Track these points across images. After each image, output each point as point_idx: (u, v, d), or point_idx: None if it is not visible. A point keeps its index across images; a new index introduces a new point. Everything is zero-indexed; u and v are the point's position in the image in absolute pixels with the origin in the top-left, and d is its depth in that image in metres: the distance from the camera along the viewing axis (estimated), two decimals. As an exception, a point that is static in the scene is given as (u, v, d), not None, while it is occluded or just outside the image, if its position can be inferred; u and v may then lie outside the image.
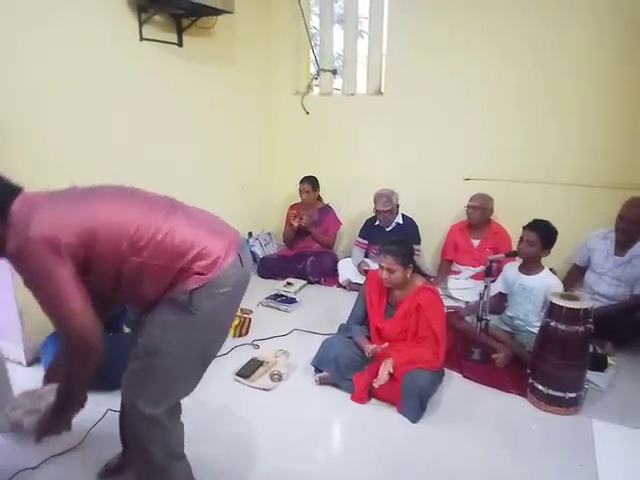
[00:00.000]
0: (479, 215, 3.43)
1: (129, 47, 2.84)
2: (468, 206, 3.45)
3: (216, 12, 3.15)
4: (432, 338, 2.30)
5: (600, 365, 2.47)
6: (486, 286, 2.55)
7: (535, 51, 3.33)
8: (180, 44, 3.20)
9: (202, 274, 1.30)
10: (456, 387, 2.42)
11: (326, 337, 2.56)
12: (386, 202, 3.58)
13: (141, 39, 2.92)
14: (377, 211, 3.64)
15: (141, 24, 2.89)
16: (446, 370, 2.41)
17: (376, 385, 2.18)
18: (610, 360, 2.55)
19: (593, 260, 2.99)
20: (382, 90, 3.98)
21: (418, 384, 2.14)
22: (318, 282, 3.76)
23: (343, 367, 2.33)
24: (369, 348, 2.28)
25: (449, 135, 3.72)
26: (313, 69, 4.23)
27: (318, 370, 2.41)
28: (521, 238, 2.64)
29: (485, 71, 3.49)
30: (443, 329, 2.31)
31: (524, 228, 2.63)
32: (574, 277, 3.11)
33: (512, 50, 3.39)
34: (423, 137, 3.82)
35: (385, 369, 2.17)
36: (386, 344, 2.28)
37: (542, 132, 3.43)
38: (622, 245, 2.85)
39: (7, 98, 2.22)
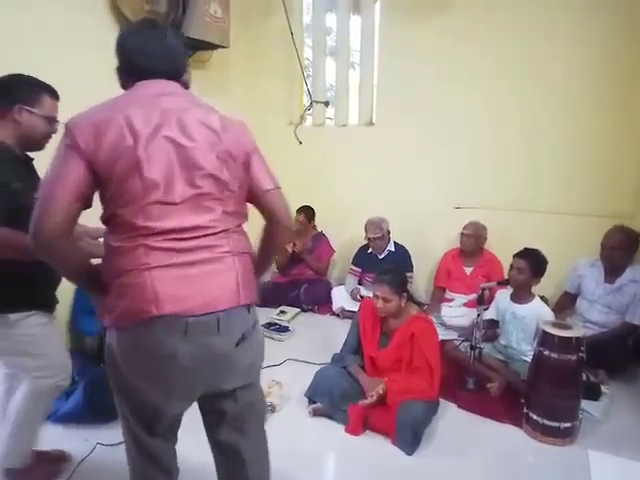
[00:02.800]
0: (472, 243, 3.47)
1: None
2: (462, 234, 3.50)
3: (213, 47, 3.25)
4: (426, 368, 2.29)
5: (594, 394, 2.47)
6: (479, 314, 2.56)
7: (524, 82, 3.43)
8: (176, 77, 3.27)
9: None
10: (451, 417, 2.40)
11: (320, 367, 2.55)
12: (376, 229, 3.62)
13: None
14: (368, 238, 3.68)
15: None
16: (441, 400, 2.40)
17: (366, 402, 2.18)
18: (604, 389, 2.54)
19: (583, 287, 3.02)
20: (373, 121, 4.08)
21: (412, 415, 2.12)
22: (312, 310, 3.75)
23: (337, 398, 2.31)
24: (372, 395, 2.24)
25: (440, 164, 3.79)
26: (306, 100, 4.32)
27: (312, 401, 2.39)
28: (511, 266, 2.67)
29: (474, 102, 3.59)
30: (437, 359, 2.31)
31: (514, 256, 2.67)
32: (565, 304, 3.13)
33: (502, 81, 3.49)
34: (414, 166, 3.89)
35: (376, 390, 2.18)
36: (386, 379, 2.27)
37: (531, 162, 3.51)
38: (611, 273, 2.89)
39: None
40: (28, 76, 1.61)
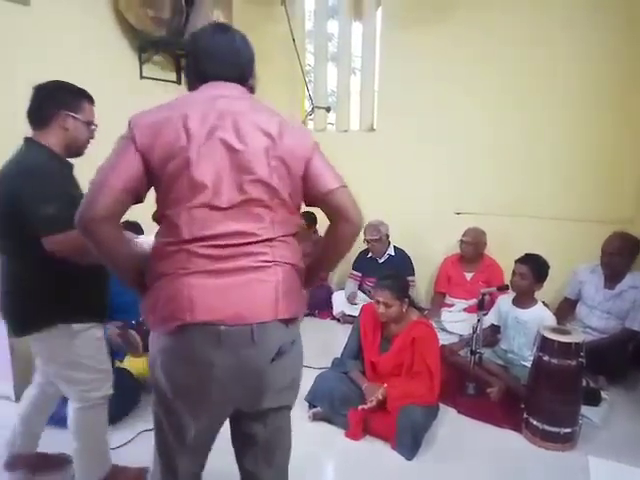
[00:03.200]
0: (472, 249, 3.48)
1: (129, 85, 2.94)
2: (461, 241, 3.51)
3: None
4: (426, 373, 2.29)
5: (594, 399, 2.47)
6: (479, 319, 2.57)
7: (526, 85, 3.45)
8: (179, 82, 3.31)
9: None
10: (451, 422, 2.40)
11: (320, 371, 2.55)
12: (373, 231, 3.65)
13: (141, 77, 3.02)
14: (366, 240, 3.70)
15: (141, 64, 2.99)
16: (441, 405, 2.40)
17: (366, 407, 2.18)
18: (603, 394, 2.55)
19: (584, 293, 3.03)
20: (374, 126, 4.10)
21: (412, 419, 2.13)
22: (312, 314, 3.76)
23: (337, 403, 2.31)
24: (372, 400, 2.24)
25: (440, 170, 3.81)
26: (308, 106, 4.35)
27: (312, 405, 2.39)
28: (514, 272, 2.68)
29: (474, 108, 3.62)
30: (437, 364, 2.31)
31: (516, 262, 2.68)
32: (566, 310, 3.13)
33: (502, 87, 3.51)
34: (414, 172, 3.90)
35: (375, 396, 2.19)
36: (385, 385, 2.28)
37: (530, 168, 3.53)
38: (611, 278, 2.90)
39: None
40: (67, 82, 1.63)
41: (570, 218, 3.40)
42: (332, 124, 4.42)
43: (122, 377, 2.36)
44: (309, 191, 1.24)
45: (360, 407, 2.21)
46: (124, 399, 2.27)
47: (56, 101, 1.56)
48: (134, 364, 2.43)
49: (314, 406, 2.37)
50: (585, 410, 2.31)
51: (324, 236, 1.32)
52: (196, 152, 1.12)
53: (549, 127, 3.43)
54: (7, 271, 1.56)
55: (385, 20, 3.90)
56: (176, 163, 1.12)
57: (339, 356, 2.63)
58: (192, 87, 1.27)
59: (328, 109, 4.35)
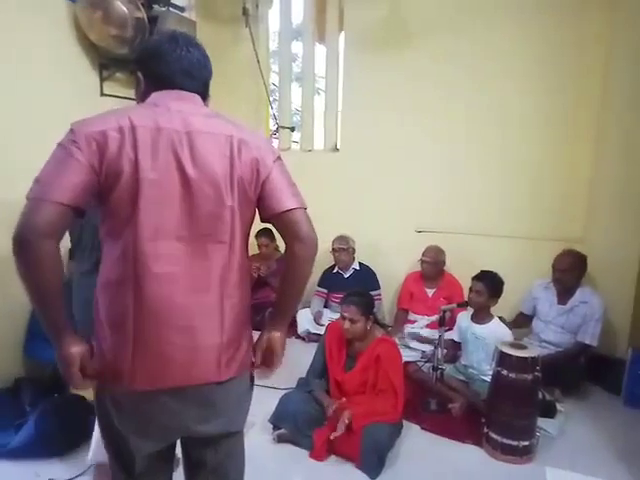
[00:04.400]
0: (432, 268, 3.58)
1: (89, 103, 2.89)
2: (422, 260, 3.60)
3: (178, 71, 3.27)
4: (390, 391, 2.32)
5: (550, 411, 2.56)
6: (440, 336, 2.62)
7: (481, 107, 3.60)
8: (141, 99, 3.27)
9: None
10: (414, 439, 2.42)
11: (284, 392, 2.53)
12: (342, 241, 3.77)
13: (102, 95, 2.98)
14: (334, 250, 3.78)
15: (102, 81, 2.95)
16: (404, 422, 2.42)
17: (332, 437, 2.16)
18: (559, 406, 2.64)
19: (538, 309, 3.15)
20: (338, 146, 4.17)
21: (376, 439, 2.13)
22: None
23: (302, 423, 2.30)
24: (331, 409, 2.25)
25: (402, 189, 3.91)
26: (272, 125, 4.39)
27: (276, 427, 2.36)
28: (470, 288, 2.76)
29: (432, 130, 3.74)
30: (401, 381, 2.34)
31: (473, 279, 2.76)
32: (520, 325, 3.24)
33: (457, 112, 3.66)
34: (377, 191, 3.99)
35: (342, 421, 2.17)
36: (344, 399, 2.28)
37: (487, 187, 3.67)
38: (563, 294, 3.03)
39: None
40: None
41: (523, 236, 3.55)
42: (297, 143, 4.47)
43: (73, 404, 2.26)
44: (264, 208, 1.18)
45: (332, 436, 2.18)
46: (75, 428, 2.18)
47: None
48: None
49: (278, 428, 2.35)
50: (542, 422, 2.38)
51: (285, 262, 1.24)
52: (144, 180, 1.04)
53: (503, 149, 3.59)
54: None
55: (348, 43, 4.01)
56: (122, 188, 1.03)
57: (304, 376, 2.62)
58: (145, 96, 1.18)
59: (292, 129, 4.40)
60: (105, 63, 2.96)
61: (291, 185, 1.21)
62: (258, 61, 4.03)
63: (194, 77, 1.18)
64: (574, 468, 2.19)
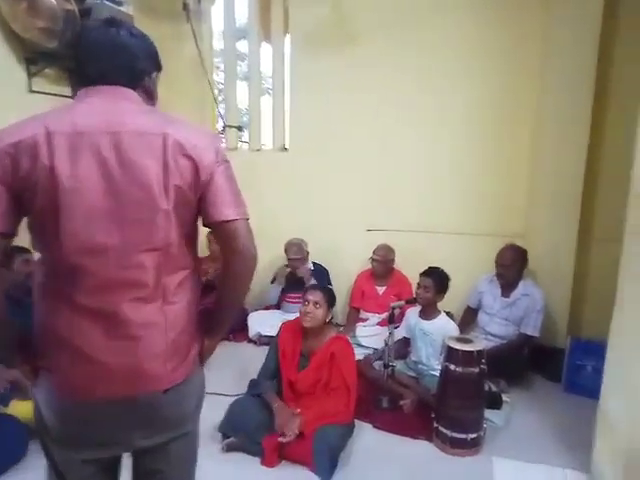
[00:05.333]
0: (382, 266, 3.62)
1: (16, 99, 2.69)
2: (372, 258, 3.62)
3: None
4: (343, 389, 2.31)
5: (496, 403, 2.63)
6: (390, 333, 2.64)
7: (426, 107, 3.65)
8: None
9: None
10: (367, 438, 2.42)
11: (234, 399, 2.46)
12: (297, 251, 3.72)
13: (30, 91, 2.78)
14: (289, 259, 3.73)
15: (30, 76, 2.76)
16: (356, 421, 2.41)
17: (281, 440, 2.11)
18: (505, 397, 2.72)
19: (483, 302, 3.24)
20: (287, 146, 4.13)
21: (328, 441, 2.11)
22: (226, 338, 3.63)
23: (252, 431, 2.23)
24: (290, 435, 2.14)
25: (351, 188, 3.92)
26: (219, 124, 4.28)
27: (226, 436, 2.28)
28: (418, 284, 2.80)
29: (380, 129, 3.77)
30: (355, 379, 2.34)
31: (420, 275, 2.80)
32: (468, 319, 3.34)
33: (403, 110, 3.70)
34: (327, 190, 3.98)
35: (292, 428, 2.12)
36: (298, 410, 2.24)
37: (433, 186, 3.75)
38: (506, 288, 3.13)
39: None
40: None
41: (469, 232, 3.65)
42: (246, 142, 4.39)
43: (6, 424, 2.11)
44: (203, 214, 1.10)
45: (279, 439, 2.13)
46: (8, 449, 2.04)
47: None
48: (21, 408, 2.16)
49: (228, 437, 2.27)
50: (488, 413, 2.45)
51: (221, 275, 1.18)
52: (65, 190, 0.97)
53: (448, 147, 3.68)
54: None
55: (294, 43, 3.97)
56: (42, 202, 0.97)
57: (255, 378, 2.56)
58: (74, 92, 1.15)
59: (240, 128, 4.32)
60: (32, 57, 2.76)
61: (234, 193, 1.11)
62: (202, 59, 3.92)
63: (122, 64, 1.08)
64: (520, 456, 2.26)
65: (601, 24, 2.86)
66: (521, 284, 3.11)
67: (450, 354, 2.31)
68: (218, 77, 4.56)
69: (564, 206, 3.16)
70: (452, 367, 2.28)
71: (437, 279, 2.73)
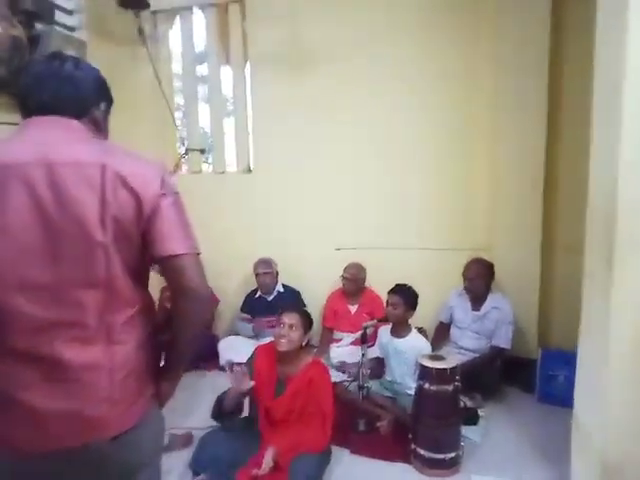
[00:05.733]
0: (353, 285, 3.59)
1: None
2: (342, 277, 3.60)
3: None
4: (319, 415, 2.23)
5: (472, 418, 2.61)
6: (363, 353, 2.60)
7: (387, 127, 3.68)
8: (26, 125, 2.97)
9: None
10: (344, 465, 2.35)
11: (205, 432, 2.35)
12: (266, 266, 3.70)
13: (-23, 120, 2.65)
14: (257, 275, 3.69)
15: (-23, 105, 2.64)
16: (333, 447, 2.34)
17: (254, 473, 2.01)
18: (480, 412, 2.71)
19: (455, 317, 3.25)
20: (251, 168, 4.09)
21: (305, 472, 2.03)
22: (196, 367, 3.50)
23: (225, 465, 2.12)
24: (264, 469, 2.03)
25: (319, 208, 3.89)
26: (181, 148, 4.21)
27: (196, 473, 2.17)
28: (387, 302, 2.78)
29: (343, 151, 3.78)
30: (331, 406, 2.27)
31: (388, 293, 2.78)
32: (441, 334, 3.34)
33: (366, 128, 3.71)
34: (294, 210, 3.95)
35: (267, 461, 2.03)
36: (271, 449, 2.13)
37: (400, 203, 3.76)
38: (475, 301, 3.15)
39: None
40: None
41: (436, 248, 3.66)
42: (209, 164, 4.34)
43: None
44: (148, 249, 1.03)
45: (253, 472, 2.04)
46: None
47: None
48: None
49: (198, 473, 2.16)
50: (465, 430, 2.42)
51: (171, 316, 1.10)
52: None
53: (411, 166, 3.69)
54: None
55: (253, 65, 3.96)
56: None
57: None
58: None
59: (203, 151, 4.26)
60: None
61: (182, 226, 1.05)
62: (160, 82, 3.86)
63: (68, 98, 1.06)
64: (499, 473, 2.23)
65: (549, 42, 2.98)
66: (490, 297, 3.13)
67: (424, 372, 2.28)
68: (180, 100, 4.51)
69: (526, 219, 3.23)
70: (426, 385, 2.25)
71: (405, 296, 2.71)
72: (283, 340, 2.26)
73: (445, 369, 2.25)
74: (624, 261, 1.62)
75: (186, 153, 4.18)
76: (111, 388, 1.01)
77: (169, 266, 1.03)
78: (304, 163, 3.87)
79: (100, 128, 1.14)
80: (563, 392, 2.74)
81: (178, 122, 4.18)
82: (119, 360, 1.02)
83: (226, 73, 4.16)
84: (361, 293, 3.66)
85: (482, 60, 3.47)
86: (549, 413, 2.78)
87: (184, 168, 4.24)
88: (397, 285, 2.79)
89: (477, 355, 3.05)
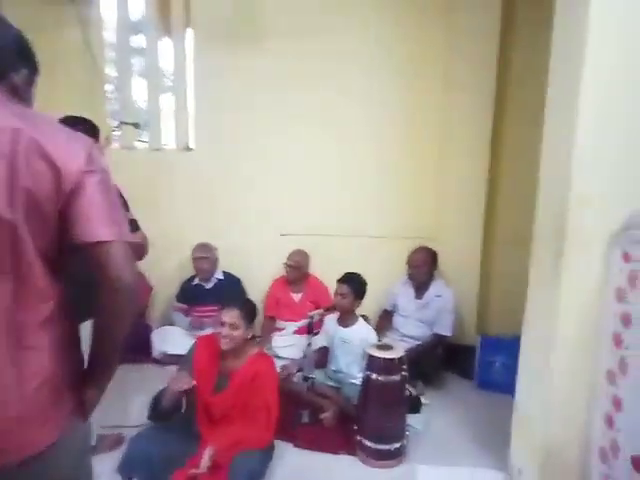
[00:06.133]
0: (296, 272, 3.50)
1: None
2: (286, 264, 3.49)
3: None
4: (263, 410, 2.11)
5: (415, 407, 2.62)
6: (309, 344, 2.51)
7: (338, 108, 3.59)
8: None
9: None
10: (287, 460, 2.26)
11: (135, 431, 2.15)
12: (204, 250, 3.52)
13: None
14: (194, 259, 3.51)
15: None
16: (276, 442, 2.24)
17: (197, 472, 1.87)
18: (423, 400, 2.72)
19: (398, 304, 3.26)
20: (191, 146, 3.84)
21: (247, 469, 1.91)
22: (127, 360, 3.25)
23: (158, 467, 1.94)
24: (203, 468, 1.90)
25: (264, 191, 3.74)
26: (113, 121, 3.87)
27: (127, 478, 1.98)
28: (335, 291, 2.71)
29: (294, 129, 3.64)
30: (276, 400, 2.16)
31: (337, 282, 2.71)
32: (385, 321, 3.34)
33: (315, 109, 3.59)
34: (237, 193, 3.75)
35: (205, 460, 1.90)
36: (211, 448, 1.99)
37: (347, 190, 3.69)
38: (419, 289, 3.18)
39: None
40: None
41: (382, 236, 3.65)
42: (145, 141, 4.01)
43: None
44: (68, 233, 0.88)
45: (191, 472, 1.89)
46: None
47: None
48: None
49: (129, 477, 1.97)
50: (409, 418, 2.41)
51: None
52: None
53: (361, 153, 3.64)
54: None
55: (197, 39, 3.70)
56: None
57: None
58: None
59: (137, 125, 3.92)
60: None
61: (110, 209, 0.91)
62: (89, 47, 3.50)
63: None
64: (442, 461, 2.25)
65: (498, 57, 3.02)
66: (433, 285, 3.17)
67: (371, 363, 2.24)
68: (112, 72, 4.12)
69: (469, 210, 3.30)
70: (374, 376, 2.21)
71: (354, 285, 2.65)
72: (225, 340, 2.11)
73: (393, 359, 2.21)
74: (574, 250, 1.66)
75: (118, 127, 3.84)
76: (20, 403, 0.83)
77: (92, 254, 0.88)
78: (249, 143, 3.68)
79: (19, 95, 0.94)
80: (500, 378, 2.85)
81: (109, 95, 3.82)
82: (31, 369, 0.85)
83: (165, 45, 3.85)
84: (304, 281, 3.57)
85: (433, 48, 3.45)
86: (488, 399, 2.86)
87: (115, 144, 3.90)
88: (346, 274, 2.72)
89: (419, 342, 3.08)
